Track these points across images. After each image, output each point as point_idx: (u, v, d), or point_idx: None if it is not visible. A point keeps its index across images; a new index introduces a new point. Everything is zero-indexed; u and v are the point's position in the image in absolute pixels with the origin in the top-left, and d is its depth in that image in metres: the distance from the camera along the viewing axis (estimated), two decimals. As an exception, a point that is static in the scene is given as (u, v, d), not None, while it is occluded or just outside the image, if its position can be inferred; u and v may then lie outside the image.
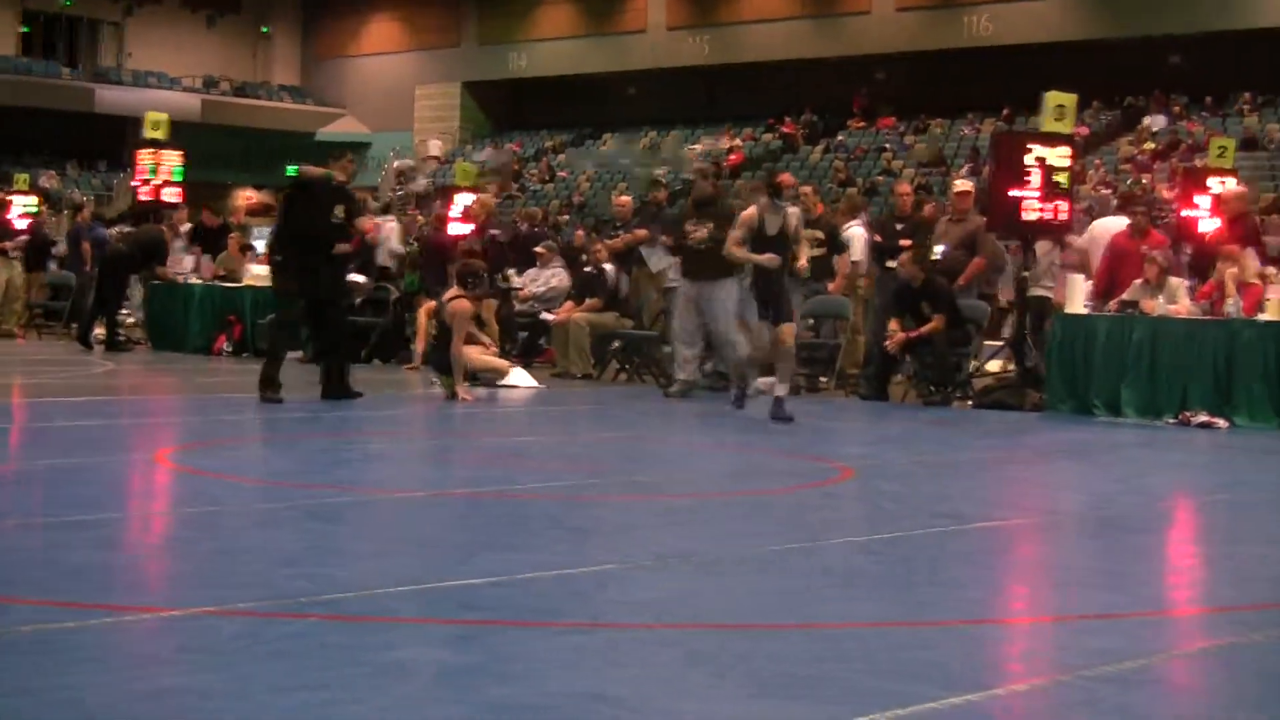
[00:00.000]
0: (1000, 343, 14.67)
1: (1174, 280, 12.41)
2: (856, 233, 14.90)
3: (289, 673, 3.79)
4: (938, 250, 13.72)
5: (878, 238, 14.61)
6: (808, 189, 15.65)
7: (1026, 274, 13.39)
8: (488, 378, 13.25)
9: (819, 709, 3.66)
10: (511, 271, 16.40)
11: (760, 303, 11.20)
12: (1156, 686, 4.02)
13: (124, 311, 18.92)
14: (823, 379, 14.36)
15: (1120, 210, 15.16)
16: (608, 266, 15.50)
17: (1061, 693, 3.92)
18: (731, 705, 3.67)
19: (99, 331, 17.89)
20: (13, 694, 3.52)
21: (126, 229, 20.45)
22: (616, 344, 15.42)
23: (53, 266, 21.70)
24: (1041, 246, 13.73)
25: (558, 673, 3.92)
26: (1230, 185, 15.11)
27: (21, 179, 27.74)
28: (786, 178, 11.39)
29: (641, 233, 15.73)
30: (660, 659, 4.13)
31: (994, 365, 14.48)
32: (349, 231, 11.77)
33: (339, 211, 11.53)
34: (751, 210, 11.28)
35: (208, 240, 19.06)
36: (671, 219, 14.27)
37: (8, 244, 20.22)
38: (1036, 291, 13.71)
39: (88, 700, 3.51)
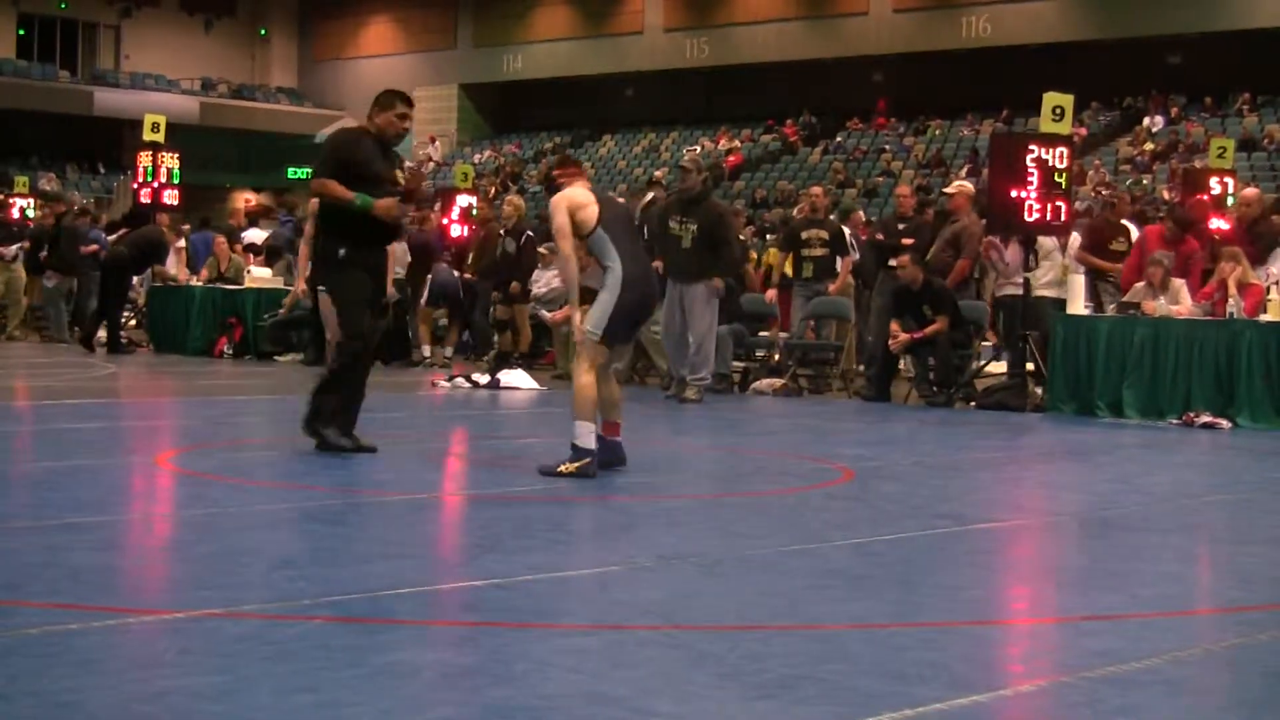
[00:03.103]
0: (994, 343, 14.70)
1: (1176, 281, 12.41)
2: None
3: (291, 674, 3.78)
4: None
5: (880, 236, 14.62)
6: (817, 190, 15.68)
7: (1029, 275, 13.39)
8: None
9: (824, 710, 3.65)
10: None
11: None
12: (1160, 687, 4.01)
13: (126, 313, 18.96)
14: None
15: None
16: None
17: (1064, 694, 3.92)
18: (735, 707, 3.66)
19: (100, 334, 17.90)
20: (17, 696, 3.51)
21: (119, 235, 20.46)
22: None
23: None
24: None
25: (559, 674, 3.92)
26: (1229, 186, 15.10)
27: (21, 181, 27.76)
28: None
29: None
30: (663, 660, 4.12)
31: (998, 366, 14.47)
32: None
33: (400, 177, 8.64)
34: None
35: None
36: (655, 215, 14.01)
37: (5, 248, 20.22)
38: (1041, 293, 13.71)
39: (91, 702, 3.50)
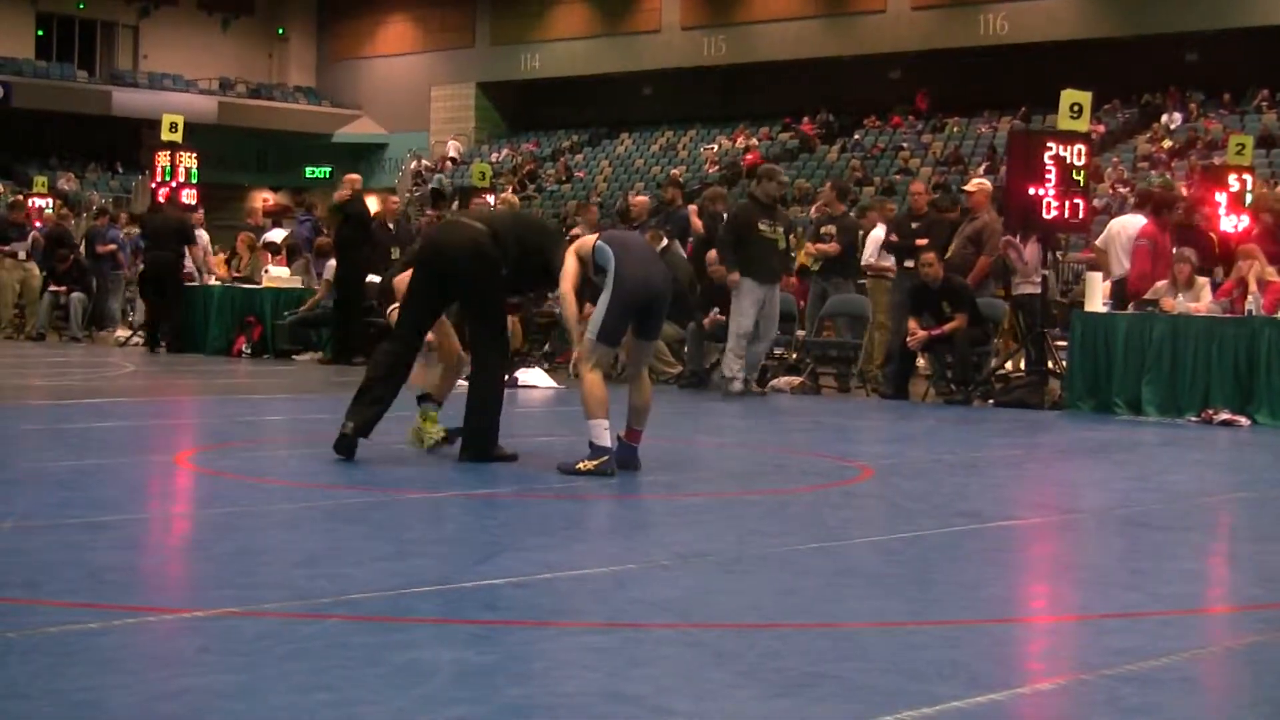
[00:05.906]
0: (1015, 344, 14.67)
1: (1199, 279, 12.37)
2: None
3: (309, 673, 3.79)
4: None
5: (893, 237, 14.60)
6: (825, 186, 15.76)
7: (1047, 273, 13.37)
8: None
9: (842, 709, 3.65)
10: None
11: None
12: (1180, 685, 4.00)
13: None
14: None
15: (1138, 208, 15.05)
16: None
17: (1084, 692, 3.91)
18: (753, 705, 3.66)
19: (121, 332, 17.95)
20: (37, 695, 3.52)
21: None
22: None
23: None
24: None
25: (577, 672, 3.92)
26: (1248, 182, 15.05)
27: (40, 181, 27.84)
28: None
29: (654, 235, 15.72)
30: (680, 658, 4.12)
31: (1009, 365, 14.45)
32: None
33: None
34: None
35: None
36: (739, 218, 14.00)
37: (11, 246, 20.28)
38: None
39: (110, 701, 3.51)
